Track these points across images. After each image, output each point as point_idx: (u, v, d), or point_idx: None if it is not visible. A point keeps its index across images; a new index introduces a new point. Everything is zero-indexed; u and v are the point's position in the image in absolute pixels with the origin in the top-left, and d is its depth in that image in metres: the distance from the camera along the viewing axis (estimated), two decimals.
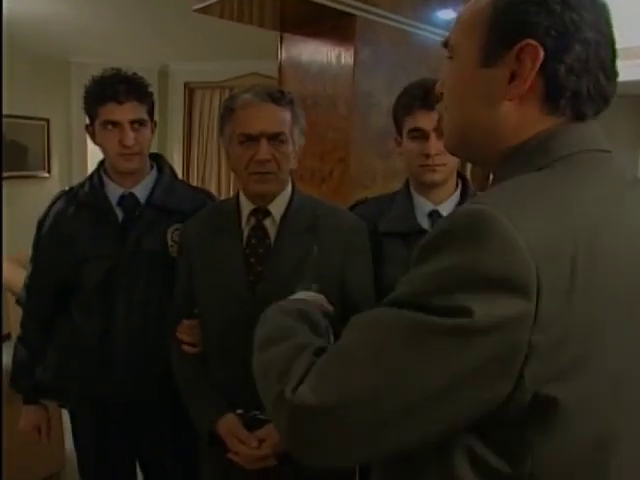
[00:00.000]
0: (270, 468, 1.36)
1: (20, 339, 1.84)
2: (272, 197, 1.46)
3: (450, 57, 0.77)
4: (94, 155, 5.72)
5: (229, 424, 1.40)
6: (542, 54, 0.68)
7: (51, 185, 5.51)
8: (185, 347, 1.54)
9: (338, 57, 2.55)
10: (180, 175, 6.27)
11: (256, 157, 1.37)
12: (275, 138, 1.39)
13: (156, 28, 4.43)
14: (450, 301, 0.59)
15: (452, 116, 0.78)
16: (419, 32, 2.74)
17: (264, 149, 1.37)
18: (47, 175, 5.46)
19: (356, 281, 1.46)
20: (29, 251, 1.85)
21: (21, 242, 4.81)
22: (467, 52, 0.74)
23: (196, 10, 2.53)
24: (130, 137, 1.61)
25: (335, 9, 2.38)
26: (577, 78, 0.69)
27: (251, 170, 1.40)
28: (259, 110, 1.38)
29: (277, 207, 1.47)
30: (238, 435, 1.37)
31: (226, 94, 5.83)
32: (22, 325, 1.85)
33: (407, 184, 1.70)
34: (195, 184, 6.03)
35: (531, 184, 0.66)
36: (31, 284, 1.81)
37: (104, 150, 1.69)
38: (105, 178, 1.74)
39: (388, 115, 2.73)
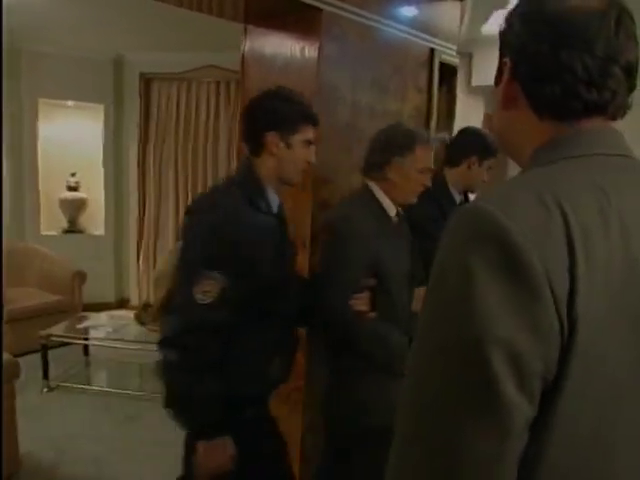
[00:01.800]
0: None
1: (204, 364, 1.61)
2: None
3: None
4: (44, 147, 5.56)
5: None
6: (510, 66, 0.80)
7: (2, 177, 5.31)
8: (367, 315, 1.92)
9: (302, 50, 2.53)
10: (136, 168, 6.14)
11: (426, 182, 2.04)
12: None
13: (112, 17, 4.32)
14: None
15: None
16: (384, 28, 2.75)
17: (429, 177, 2.05)
18: None
19: None
20: None
21: None
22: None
23: None
24: (314, 156, 1.89)
25: (301, 2, 2.36)
26: (541, 85, 0.76)
27: (421, 185, 2.03)
28: (430, 150, 2.05)
29: None
30: None
31: (184, 86, 5.74)
32: (202, 349, 1.60)
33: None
34: (152, 176, 5.93)
35: (521, 179, 0.76)
36: (227, 300, 1.60)
37: (289, 163, 1.81)
38: (266, 187, 1.82)
39: (352, 109, 2.75)
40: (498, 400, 0.61)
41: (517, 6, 0.82)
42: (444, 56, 3.13)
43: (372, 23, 2.68)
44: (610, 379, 0.66)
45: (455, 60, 3.27)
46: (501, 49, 0.84)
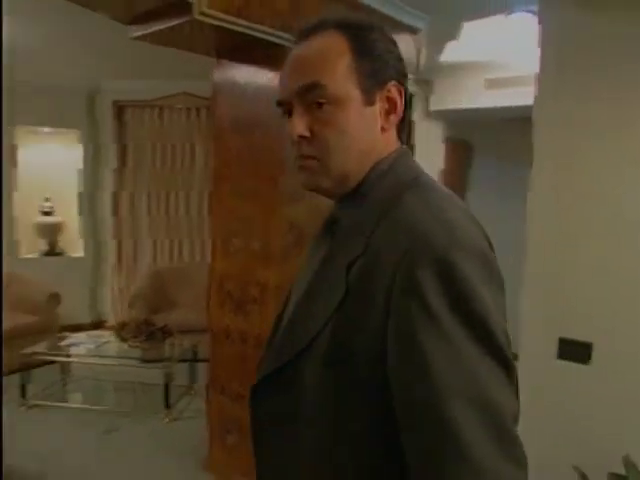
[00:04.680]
0: None
1: None
2: None
3: (327, 104, 0.88)
4: (27, 172, 5.69)
5: None
6: (403, 90, 0.91)
7: None
8: None
9: (271, 80, 2.76)
10: (110, 193, 6.23)
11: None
12: None
13: (87, 47, 4.49)
14: None
15: (341, 151, 0.90)
16: None
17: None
18: None
19: None
20: None
21: None
22: (353, 97, 0.88)
23: (134, 38, 2.67)
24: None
25: (270, 41, 2.59)
26: (406, 108, 0.92)
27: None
28: None
29: None
30: None
31: (156, 112, 5.94)
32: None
33: None
34: (127, 200, 6.08)
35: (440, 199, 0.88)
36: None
37: None
38: None
39: None
40: (508, 361, 0.77)
41: None
42: None
43: None
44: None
45: (411, 89, 3.54)
46: (384, 74, 0.93)
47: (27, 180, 5.79)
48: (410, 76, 3.54)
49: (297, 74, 0.90)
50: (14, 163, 5.71)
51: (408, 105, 0.92)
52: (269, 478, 0.95)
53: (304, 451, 0.86)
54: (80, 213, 6.08)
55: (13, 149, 5.69)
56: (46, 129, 5.90)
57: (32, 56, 4.76)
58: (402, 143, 0.96)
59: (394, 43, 0.93)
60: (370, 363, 0.78)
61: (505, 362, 0.75)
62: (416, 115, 4.04)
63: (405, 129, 0.95)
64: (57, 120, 5.75)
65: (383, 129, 0.91)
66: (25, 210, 5.77)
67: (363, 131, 0.89)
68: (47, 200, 5.92)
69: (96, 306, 6.23)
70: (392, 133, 0.93)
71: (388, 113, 0.91)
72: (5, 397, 3.26)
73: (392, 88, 0.90)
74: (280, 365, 0.87)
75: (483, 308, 0.74)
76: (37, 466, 3.28)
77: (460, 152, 5.70)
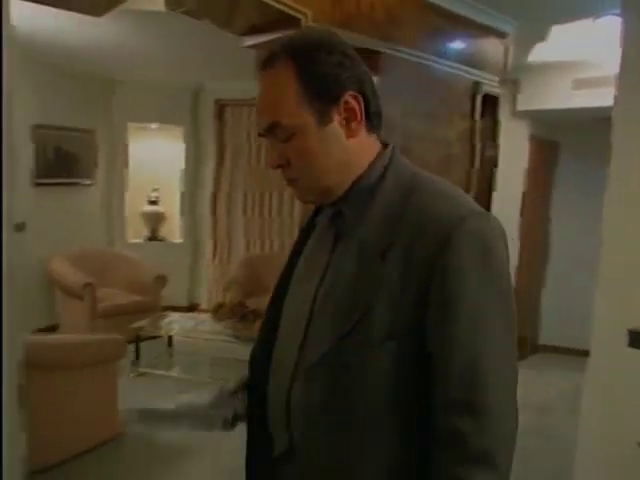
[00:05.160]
0: None
1: None
2: None
3: (291, 136, 0.93)
4: (135, 164, 6.24)
5: None
6: (360, 96, 0.93)
7: (95, 192, 6.03)
8: None
9: None
10: (210, 186, 6.63)
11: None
12: None
13: (192, 50, 4.89)
14: None
15: (314, 173, 0.96)
16: (433, 65, 3.22)
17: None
18: (91, 182, 5.96)
19: None
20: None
21: (68, 242, 5.34)
22: (308, 122, 0.92)
23: (245, 47, 3.00)
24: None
25: (365, 48, 2.85)
26: (372, 100, 0.95)
27: None
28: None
29: None
30: None
31: (253, 110, 6.30)
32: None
33: None
34: (223, 194, 6.50)
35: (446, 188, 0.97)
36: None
37: None
38: None
39: (403, 135, 3.20)
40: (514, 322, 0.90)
41: None
42: (486, 87, 3.57)
43: (423, 61, 3.16)
44: None
45: (496, 90, 3.71)
46: (336, 89, 0.94)
47: (136, 173, 6.34)
48: (494, 79, 3.70)
49: (260, 114, 0.96)
50: (125, 164, 6.27)
51: (374, 95, 0.96)
52: (316, 467, 0.96)
53: (363, 432, 0.90)
54: (182, 213, 6.59)
55: (125, 149, 6.25)
56: (153, 125, 6.44)
57: (145, 60, 5.23)
58: (377, 133, 0.99)
59: (345, 53, 0.94)
60: (413, 340, 0.87)
61: (513, 323, 0.89)
62: (502, 115, 4.17)
63: (377, 119, 0.98)
64: (164, 116, 6.26)
65: (351, 136, 0.94)
66: (133, 200, 6.33)
67: (329, 149, 0.94)
68: (155, 190, 6.42)
69: (193, 290, 6.71)
70: (363, 135, 0.96)
71: (349, 121, 0.94)
72: (119, 364, 3.70)
73: (349, 98, 0.92)
74: (325, 351, 0.91)
75: (509, 284, 0.89)
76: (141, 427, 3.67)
77: (546, 151, 5.71)
